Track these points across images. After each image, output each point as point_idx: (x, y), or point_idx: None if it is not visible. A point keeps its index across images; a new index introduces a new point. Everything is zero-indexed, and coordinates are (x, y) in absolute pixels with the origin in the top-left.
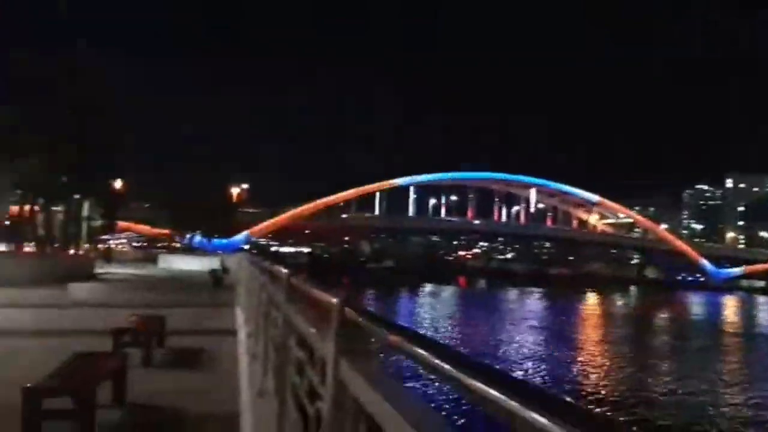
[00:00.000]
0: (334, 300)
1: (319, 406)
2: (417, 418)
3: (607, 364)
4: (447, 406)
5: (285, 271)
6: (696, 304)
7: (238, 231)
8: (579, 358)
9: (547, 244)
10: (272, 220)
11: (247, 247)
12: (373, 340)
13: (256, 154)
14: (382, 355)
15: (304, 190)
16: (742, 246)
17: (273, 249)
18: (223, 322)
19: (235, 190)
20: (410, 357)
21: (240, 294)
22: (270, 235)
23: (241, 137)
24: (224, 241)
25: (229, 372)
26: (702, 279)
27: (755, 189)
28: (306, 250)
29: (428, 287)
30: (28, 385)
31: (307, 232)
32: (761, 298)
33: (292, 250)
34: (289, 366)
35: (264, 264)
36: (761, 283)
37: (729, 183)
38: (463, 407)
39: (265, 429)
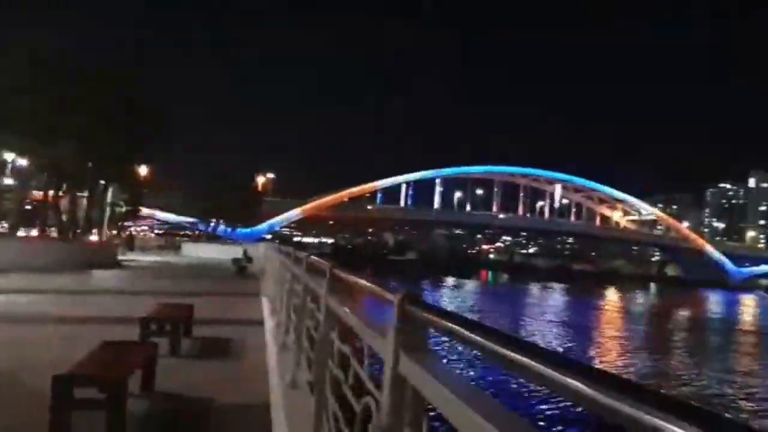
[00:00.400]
0: (395, 295)
1: (367, 400)
2: (488, 410)
3: (623, 359)
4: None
5: (327, 262)
6: (715, 302)
7: (261, 220)
8: (596, 353)
9: (570, 240)
10: (296, 210)
11: (269, 236)
12: (433, 334)
13: (283, 144)
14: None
15: (329, 180)
16: (762, 245)
17: (296, 239)
18: (249, 312)
19: (260, 180)
20: (488, 353)
21: (266, 284)
22: (293, 225)
23: (268, 128)
24: (247, 230)
25: (258, 363)
26: (722, 277)
27: None
28: (329, 240)
29: (450, 280)
30: (59, 373)
31: (331, 222)
32: None
33: (315, 240)
34: (330, 359)
35: (299, 254)
36: None
37: (752, 182)
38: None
39: (300, 421)
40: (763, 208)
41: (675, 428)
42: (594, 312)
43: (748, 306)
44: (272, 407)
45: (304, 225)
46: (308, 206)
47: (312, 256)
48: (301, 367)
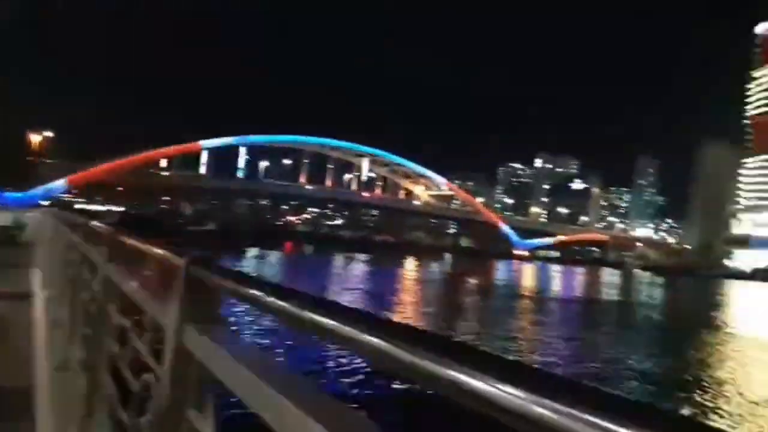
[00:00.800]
0: (181, 258)
1: (147, 378)
2: (283, 383)
3: (415, 322)
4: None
5: (107, 227)
6: (501, 270)
7: (37, 184)
8: (390, 317)
9: (375, 212)
10: (80, 174)
11: (47, 203)
12: (228, 302)
13: (67, 100)
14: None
15: (120, 142)
16: (544, 220)
17: (78, 206)
18: (17, 284)
19: (35, 138)
20: (292, 319)
21: (40, 254)
22: (76, 191)
23: (55, 83)
24: (18, 194)
25: (23, 341)
26: (509, 248)
27: (559, 169)
28: (117, 208)
29: (253, 251)
30: None
31: (120, 189)
32: (555, 267)
33: (101, 208)
34: (106, 335)
35: (76, 220)
36: (556, 254)
37: (538, 163)
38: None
39: (69, 404)
40: (546, 186)
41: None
42: (391, 280)
43: (529, 274)
44: (37, 390)
45: (89, 191)
46: (94, 170)
47: (93, 222)
48: (74, 345)
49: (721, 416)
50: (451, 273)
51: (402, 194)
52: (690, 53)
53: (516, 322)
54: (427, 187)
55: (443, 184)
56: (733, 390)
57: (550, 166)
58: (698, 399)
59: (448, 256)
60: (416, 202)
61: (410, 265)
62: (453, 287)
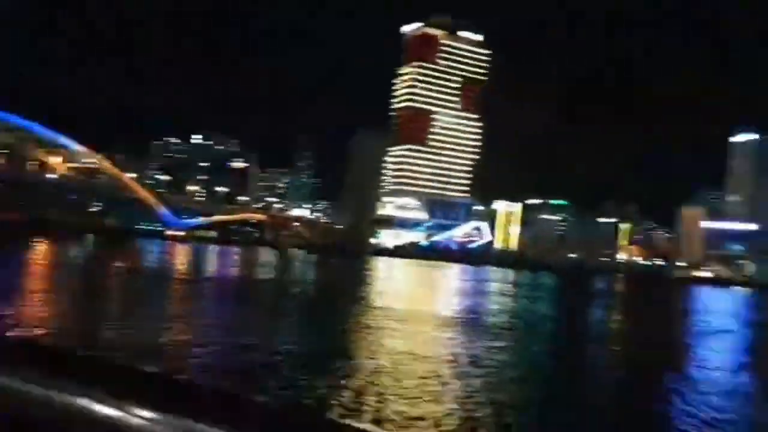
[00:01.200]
0: None
1: None
2: None
3: (40, 313)
4: None
5: None
6: (151, 252)
7: None
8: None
9: None
10: None
11: None
12: None
13: None
14: None
15: None
16: (201, 199)
17: None
18: None
19: None
20: None
21: None
22: None
23: None
24: None
25: None
26: (161, 228)
27: (219, 147)
28: None
29: None
30: None
31: None
32: (211, 247)
33: None
34: None
35: None
36: (213, 234)
37: (196, 139)
38: None
39: None
40: (204, 164)
41: None
42: (9, 266)
43: (183, 256)
44: None
45: None
46: None
47: None
48: None
49: (345, 388)
50: (93, 255)
51: (32, 165)
52: (354, 45)
53: (163, 308)
54: (66, 159)
55: (86, 156)
56: (366, 355)
57: (210, 143)
58: (328, 365)
59: (90, 236)
60: (51, 175)
61: (42, 247)
62: (92, 272)
